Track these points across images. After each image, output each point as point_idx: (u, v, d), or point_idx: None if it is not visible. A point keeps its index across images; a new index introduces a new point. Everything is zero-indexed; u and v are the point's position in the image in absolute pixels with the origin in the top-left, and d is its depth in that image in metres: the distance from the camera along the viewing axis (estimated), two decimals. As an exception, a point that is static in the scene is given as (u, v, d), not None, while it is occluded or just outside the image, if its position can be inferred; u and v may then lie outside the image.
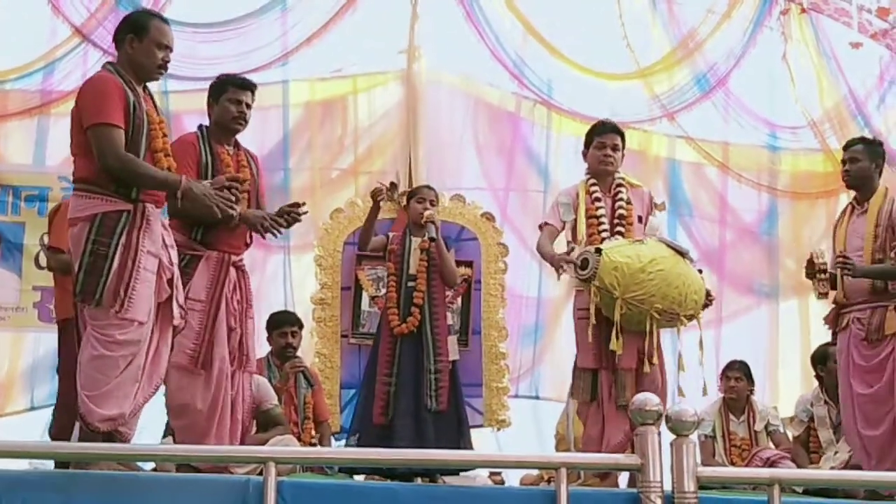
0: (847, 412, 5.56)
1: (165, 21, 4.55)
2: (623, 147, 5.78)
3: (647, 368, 5.29)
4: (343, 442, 6.69)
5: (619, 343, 5.22)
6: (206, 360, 4.77)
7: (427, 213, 6.06)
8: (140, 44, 4.40)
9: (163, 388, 4.80)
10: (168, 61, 4.49)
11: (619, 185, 5.66)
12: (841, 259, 5.46)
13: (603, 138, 5.71)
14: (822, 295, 5.66)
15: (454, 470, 5.44)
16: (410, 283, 6.08)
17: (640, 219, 5.62)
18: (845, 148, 5.84)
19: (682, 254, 5.43)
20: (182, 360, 4.73)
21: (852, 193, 5.82)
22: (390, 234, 6.35)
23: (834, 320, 5.68)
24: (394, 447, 5.48)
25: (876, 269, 5.44)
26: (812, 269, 5.65)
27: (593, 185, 5.66)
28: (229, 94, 5.11)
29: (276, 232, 4.97)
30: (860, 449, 5.45)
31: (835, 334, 5.73)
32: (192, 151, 4.93)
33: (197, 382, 4.75)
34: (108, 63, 4.50)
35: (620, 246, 5.35)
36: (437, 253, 6.10)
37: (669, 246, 5.42)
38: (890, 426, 5.32)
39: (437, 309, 6.06)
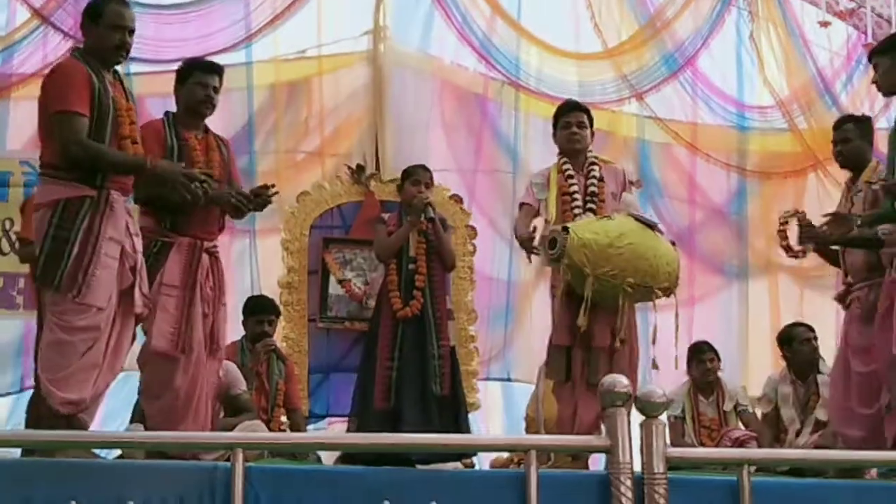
0: (839, 388, 5.49)
1: (126, 4, 4.53)
2: (591, 124, 5.81)
3: (618, 345, 5.30)
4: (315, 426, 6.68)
5: (585, 319, 5.23)
6: (186, 344, 4.76)
7: (420, 195, 6.00)
8: (97, 28, 4.43)
9: (138, 374, 4.79)
10: (128, 43, 4.47)
11: (593, 163, 5.70)
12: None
13: (568, 117, 5.76)
14: (793, 254, 5.68)
15: (448, 456, 5.45)
16: (411, 266, 6.01)
17: (612, 195, 5.63)
18: (835, 128, 5.73)
19: (651, 226, 5.44)
20: (162, 345, 4.72)
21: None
22: (385, 217, 6.30)
23: (842, 299, 5.62)
24: (401, 432, 5.47)
25: (858, 235, 5.27)
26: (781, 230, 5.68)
27: (565, 163, 5.70)
28: (196, 77, 5.09)
29: (245, 208, 4.95)
30: (852, 426, 5.39)
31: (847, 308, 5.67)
32: (158, 137, 4.90)
33: (176, 367, 4.74)
34: (76, 49, 4.54)
35: (588, 223, 5.37)
36: (434, 235, 6.04)
37: (638, 219, 5.42)
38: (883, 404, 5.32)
39: (437, 292, 6.03)
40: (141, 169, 4.36)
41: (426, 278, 5.97)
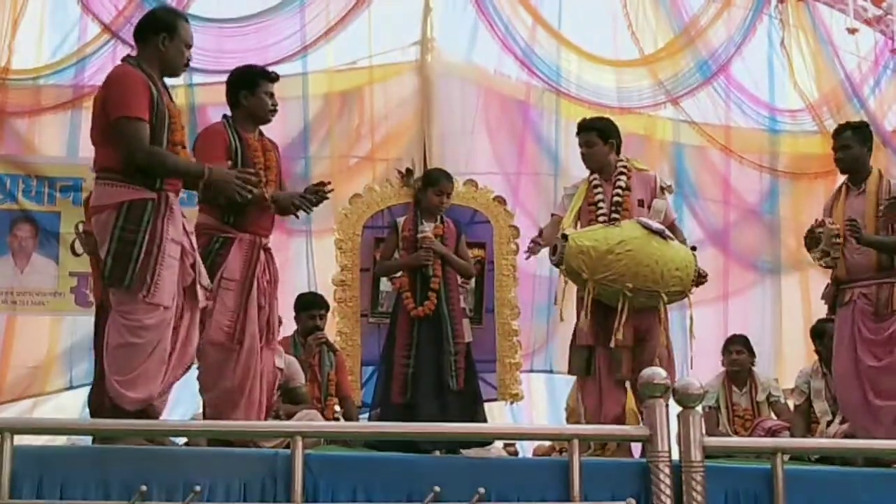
0: (850, 384, 5.49)
1: (188, 20, 4.58)
2: (605, 136, 5.68)
3: (612, 343, 5.30)
4: (366, 416, 6.71)
5: (587, 321, 5.31)
6: (241, 336, 4.78)
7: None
8: (171, 42, 4.39)
9: (195, 364, 4.84)
10: (190, 59, 4.52)
11: (622, 172, 5.65)
12: (849, 223, 5.40)
13: (578, 138, 5.78)
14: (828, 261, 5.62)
15: (475, 443, 5.46)
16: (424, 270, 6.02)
17: (640, 202, 5.60)
18: (834, 136, 5.76)
19: (658, 233, 5.41)
20: (219, 337, 4.73)
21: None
22: (400, 221, 6.24)
23: (832, 297, 5.64)
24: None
25: (883, 239, 5.40)
26: (811, 238, 5.63)
27: (593, 175, 5.70)
28: (264, 87, 5.07)
29: (307, 209, 5.01)
30: (869, 418, 5.37)
31: (831, 309, 5.70)
32: (221, 139, 4.90)
33: (231, 357, 4.76)
34: (129, 56, 4.47)
35: (590, 231, 5.40)
36: (449, 264, 5.99)
37: (645, 227, 5.39)
38: None
39: (451, 292, 6.01)
40: (199, 175, 4.35)
41: (441, 280, 5.94)
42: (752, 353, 6.93)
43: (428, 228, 5.97)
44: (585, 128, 5.77)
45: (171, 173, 4.29)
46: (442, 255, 5.91)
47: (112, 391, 4.11)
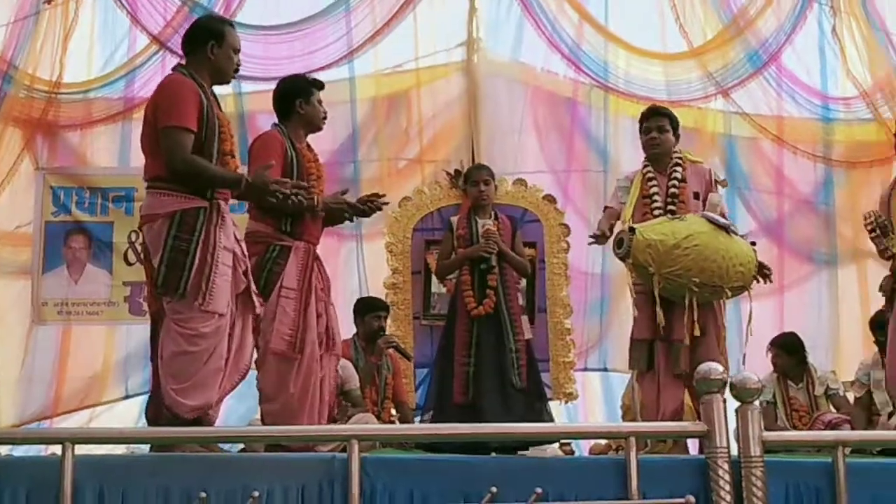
0: None
1: (234, 26, 4.62)
2: (674, 126, 5.75)
3: (687, 340, 5.29)
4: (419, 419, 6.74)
5: (661, 315, 5.27)
6: (302, 345, 4.81)
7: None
8: (220, 49, 4.44)
9: (255, 374, 4.87)
10: (240, 65, 4.55)
11: (677, 164, 5.66)
12: None
13: (649, 122, 5.75)
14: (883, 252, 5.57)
15: (533, 443, 5.46)
16: (483, 266, 6.01)
17: (695, 195, 5.59)
18: None
19: (724, 228, 5.38)
20: (280, 347, 4.77)
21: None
22: (453, 220, 6.29)
23: (890, 288, 5.57)
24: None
25: None
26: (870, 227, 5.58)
27: (647, 166, 5.70)
28: (317, 96, 5.14)
29: (358, 217, 5.15)
30: None
31: (890, 301, 5.63)
32: (279, 148, 4.93)
33: (293, 366, 4.79)
34: (180, 66, 4.50)
35: (657, 224, 5.37)
36: (507, 259, 6.01)
37: (711, 221, 5.37)
38: None
39: (509, 290, 6.02)
40: (237, 184, 4.38)
41: (498, 278, 5.95)
42: (792, 355, 6.85)
43: (489, 223, 6.02)
44: (658, 112, 5.80)
45: (209, 182, 4.31)
46: (500, 249, 5.94)
47: (169, 399, 4.16)
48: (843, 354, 8.33)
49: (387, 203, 5.20)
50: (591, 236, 5.72)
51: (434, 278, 7.38)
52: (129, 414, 7.73)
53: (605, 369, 8.35)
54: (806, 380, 6.80)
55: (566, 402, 7.30)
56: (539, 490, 3.44)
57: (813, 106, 8.93)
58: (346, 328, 6.54)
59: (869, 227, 5.55)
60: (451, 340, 5.98)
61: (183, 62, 4.52)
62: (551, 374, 7.24)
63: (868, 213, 5.65)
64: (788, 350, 6.86)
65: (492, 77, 8.38)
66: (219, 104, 4.51)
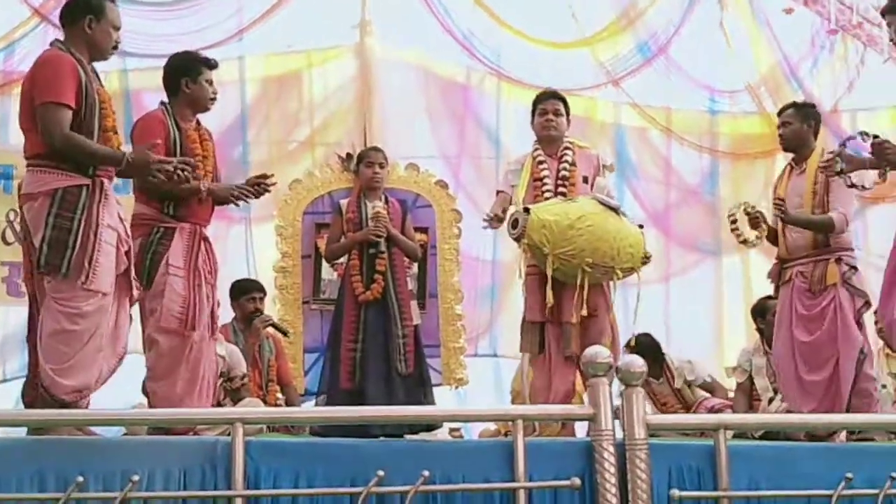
0: (786, 360, 5.62)
1: (115, 2, 4.49)
2: (567, 111, 5.81)
3: (575, 319, 5.33)
4: (310, 403, 6.68)
5: (550, 296, 5.31)
6: (193, 322, 4.73)
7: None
8: (98, 25, 4.34)
9: (145, 353, 4.76)
10: (119, 42, 4.45)
11: (567, 148, 5.73)
12: (777, 201, 5.58)
13: (545, 105, 5.78)
14: (743, 242, 5.79)
15: (422, 427, 5.45)
16: (372, 250, 5.96)
17: (584, 179, 5.66)
18: (779, 114, 5.92)
19: (614, 209, 5.46)
20: (172, 324, 4.68)
21: (790, 155, 5.89)
22: (343, 203, 6.21)
23: (777, 275, 5.75)
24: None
25: (803, 217, 5.53)
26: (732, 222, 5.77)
27: (538, 150, 5.74)
28: (205, 75, 5.04)
29: (246, 201, 5.04)
30: (801, 393, 5.51)
31: (777, 288, 5.79)
32: (161, 128, 4.84)
33: (185, 344, 4.71)
34: (58, 41, 4.39)
35: (550, 205, 5.41)
36: (396, 243, 5.97)
37: (601, 203, 5.44)
38: (831, 371, 5.40)
39: (398, 275, 5.98)
40: (119, 161, 4.27)
41: (387, 262, 5.91)
42: (646, 356, 6.94)
43: (379, 206, 5.97)
44: (555, 96, 5.84)
45: (89, 159, 4.21)
46: (389, 233, 5.90)
47: (47, 379, 4.05)
48: (725, 341, 8.55)
49: (275, 184, 5.10)
50: (484, 219, 5.71)
51: (325, 262, 7.32)
52: (7, 398, 7.49)
53: (496, 355, 8.41)
54: (665, 374, 6.93)
55: (456, 387, 7.30)
56: (426, 473, 3.42)
57: (700, 97, 9.12)
58: (227, 313, 6.45)
59: (731, 220, 5.71)
60: (340, 325, 5.93)
61: (61, 37, 4.40)
62: (442, 360, 7.24)
63: (731, 206, 5.85)
64: (642, 353, 6.94)
65: (385, 61, 8.35)
66: (99, 80, 4.41)
